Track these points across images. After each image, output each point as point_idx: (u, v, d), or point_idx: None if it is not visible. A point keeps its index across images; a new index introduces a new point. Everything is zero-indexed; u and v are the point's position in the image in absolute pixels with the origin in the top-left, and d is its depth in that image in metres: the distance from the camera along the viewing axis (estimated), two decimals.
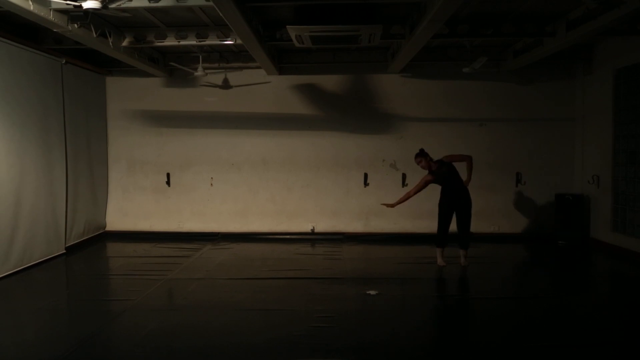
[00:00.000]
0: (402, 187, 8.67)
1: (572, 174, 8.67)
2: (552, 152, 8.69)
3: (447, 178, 6.48)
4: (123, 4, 5.26)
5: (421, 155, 6.49)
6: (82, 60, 8.00)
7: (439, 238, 6.67)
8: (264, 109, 8.82)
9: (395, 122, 8.75)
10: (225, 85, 8.82)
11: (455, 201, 6.50)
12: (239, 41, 6.51)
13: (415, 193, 6.50)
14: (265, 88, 8.82)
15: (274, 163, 8.91)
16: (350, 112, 8.76)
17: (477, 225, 8.54)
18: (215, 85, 8.80)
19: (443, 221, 6.59)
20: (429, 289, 5.87)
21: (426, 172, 6.52)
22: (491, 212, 8.71)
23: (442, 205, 6.61)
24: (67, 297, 5.71)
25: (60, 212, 7.39)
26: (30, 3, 5.07)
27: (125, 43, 7.02)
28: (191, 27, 6.87)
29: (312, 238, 8.73)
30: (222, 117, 8.89)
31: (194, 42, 6.95)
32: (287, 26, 5.92)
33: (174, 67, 8.49)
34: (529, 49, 7.49)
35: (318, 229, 8.86)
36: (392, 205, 6.61)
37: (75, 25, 5.77)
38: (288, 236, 8.80)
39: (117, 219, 9.07)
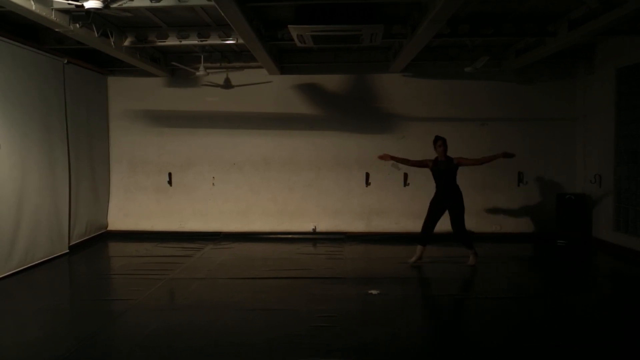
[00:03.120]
0: (404, 186, 8.68)
1: (573, 174, 8.65)
2: (553, 152, 8.68)
3: (441, 175, 6.55)
4: (124, 3, 5.27)
5: (444, 140, 6.59)
6: (84, 60, 8.01)
7: (420, 235, 6.74)
8: (265, 109, 8.82)
9: (396, 122, 8.74)
10: (227, 85, 8.83)
11: (442, 201, 6.58)
12: (240, 41, 6.52)
13: (412, 163, 6.77)
14: (267, 88, 8.82)
15: (276, 163, 8.91)
16: (352, 111, 8.76)
17: (478, 224, 8.58)
18: (217, 85, 8.81)
19: (427, 219, 6.68)
20: (430, 288, 5.87)
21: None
22: (493, 212, 8.71)
23: (431, 204, 6.71)
24: (69, 297, 5.72)
25: (63, 212, 7.41)
26: (32, 3, 5.08)
27: (126, 43, 7.03)
28: (193, 27, 6.88)
29: (314, 238, 8.72)
30: (223, 117, 8.89)
31: (195, 42, 6.95)
32: (289, 26, 5.92)
33: (176, 67, 8.49)
34: (531, 49, 7.48)
35: (319, 229, 8.86)
36: (387, 157, 6.77)
37: (77, 25, 5.77)
38: (290, 236, 8.80)
39: (119, 218, 9.08)
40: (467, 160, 6.60)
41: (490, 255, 7.26)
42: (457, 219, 6.55)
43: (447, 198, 6.56)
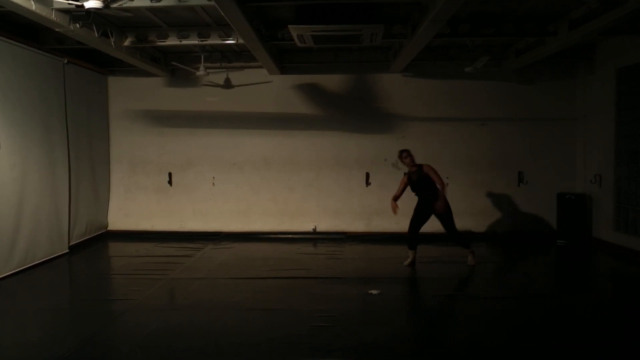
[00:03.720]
0: None
1: (574, 174, 8.65)
2: (553, 152, 8.68)
3: (418, 185, 6.51)
4: (125, 3, 5.27)
5: (409, 151, 6.55)
6: (84, 60, 8.01)
7: (408, 240, 6.72)
8: (265, 109, 8.82)
9: (396, 122, 8.74)
10: (227, 85, 8.83)
11: (426, 208, 6.52)
12: (240, 41, 6.53)
13: (401, 193, 6.68)
14: (267, 88, 8.82)
15: (276, 163, 8.91)
16: (352, 111, 8.76)
17: (478, 224, 8.59)
18: (217, 85, 8.81)
19: (412, 224, 6.65)
20: (430, 288, 5.87)
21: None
22: (493, 212, 8.70)
23: (415, 210, 6.68)
24: (69, 297, 5.72)
25: (63, 212, 7.41)
26: (32, 3, 5.08)
27: (127, 43, 7.03)
28: (193, 27, 6.88)
29: (314, 238, 8.72)
30: (223, 117, 8.89)
31: (195, 42, 6.95)
32: (289, 26, 5.92)
33: (176, 67, 8.49)
34: (531, 49, 7.48)
35: (320, 229, 8.86)
36: (395, 209, 6.59)
37: (77, 25, 5.78)
38: (290, 236, 8.80)
39: (119, 218, 9.08)
40: (434, 175, 6.41)
41: (490, 255, 7.26)
42: (447, 223, 6.52)
43: (431, 204, 6.47)
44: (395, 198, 6.64)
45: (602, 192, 7.91)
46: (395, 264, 6.78)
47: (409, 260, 6.67)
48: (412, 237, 6.67)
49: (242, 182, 8.95)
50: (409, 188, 6.64)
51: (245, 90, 8.83)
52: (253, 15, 5.90)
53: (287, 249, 7.84)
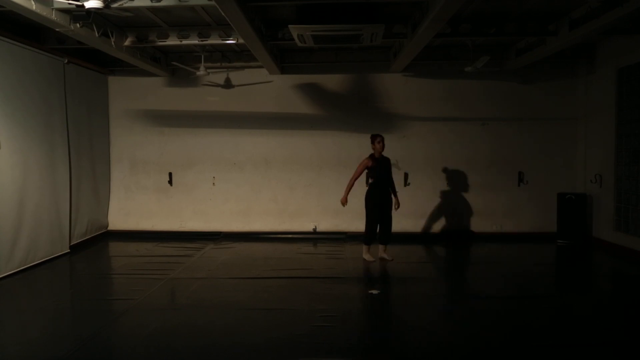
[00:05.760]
0: (404, 186, 8.65)
1: (574, 173, 8.65)
2: (554, 152, 8.67)
3: (382, 172, 6.62)
4: (125, 3, 5.26)
5: (383, 138, 6.70)
6: (85, 60, 8.01)
7: (370, 236, 6.75)
8: (266, 109, 8.82)
9: (397, 122, 8.74)
10: (227, 84, 8.83)
11: (381, 199, 6.65)
12: (241, 40, 6.53)
13: (355, 179, 6.70)
14: (268, 87, 8.82)
15: (277, 162, 8.91)
16: (353, 111, 8.76)
17: (479, 224, 8.59)
18: (217, 85, 8.81)
19: (375, 218, 6.67)
20: (431, 288, 5.87)
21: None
22: (493, 212, 8.70)
23: (371, 200, 6.69)
24: (70, 297, 5.72)
25: (64, 211, 7.41)
26: (33, 3, 5.08)
27: (127, 43, 7.03)
28: (193, 27, 6.88)
29: (315, 237, 8.73)
30: (224, 117, 8.89)
31: (196, 42, 6.95)
32: (289, 25, 5.92)
33: (176, 67, 8.49)
34: (532, 48, 7.48)
35: (320, 228, 8.86)
36: (344, 201, 6.77)
37: (78, 24, 5.78)
38: (290, 235, 8.79)
39: (120, 218, 9.08)
40: (359, 167, 6.70)
41: (490, 255, 7.26)
42: (390, 218, 6.75)
43: (387, 196, 6.67)
44: (347, 191, 6.73)
45: (602, 191, 7.91)
46: (396, 264, 6.78)
47: (370, 255, 6.71)
48: (373, 234, 6.72)
49: (242, 182, 8.95)
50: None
51: (246, 90, 8.83)
52: (253, 15, 5.90)
53: (288, 249, 7.84)
